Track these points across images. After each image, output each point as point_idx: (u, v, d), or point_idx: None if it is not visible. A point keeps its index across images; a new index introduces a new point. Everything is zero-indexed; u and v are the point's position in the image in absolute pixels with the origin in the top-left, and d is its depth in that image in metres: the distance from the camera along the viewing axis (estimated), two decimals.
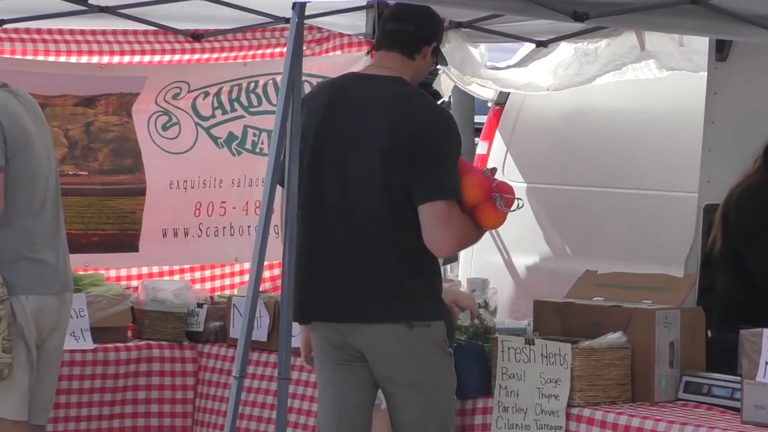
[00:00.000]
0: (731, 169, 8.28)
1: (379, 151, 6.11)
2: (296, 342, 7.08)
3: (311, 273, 6.22)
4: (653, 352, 6.59)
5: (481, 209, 6.26)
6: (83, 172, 8.88)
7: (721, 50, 8.25)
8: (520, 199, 6.52)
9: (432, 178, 6.12)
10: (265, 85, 9.39)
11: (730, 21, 7.32)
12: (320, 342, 6.37)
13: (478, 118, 16.22)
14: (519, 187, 9.85)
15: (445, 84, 9.59)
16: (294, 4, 5.86)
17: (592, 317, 6.72)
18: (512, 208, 6.40)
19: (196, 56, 9.38)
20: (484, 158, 10.39)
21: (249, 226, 9.65)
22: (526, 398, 6.49)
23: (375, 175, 6.16)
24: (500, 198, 6.28)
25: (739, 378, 6.12)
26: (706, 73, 8.43)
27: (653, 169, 9.12)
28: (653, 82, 9.04)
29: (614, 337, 6.55)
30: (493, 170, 6.46)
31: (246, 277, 8.58)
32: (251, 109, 9.49)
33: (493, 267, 9.76)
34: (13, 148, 7.21)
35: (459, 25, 8.58)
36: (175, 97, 9.24)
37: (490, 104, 10.27)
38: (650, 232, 8.88)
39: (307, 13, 6.13)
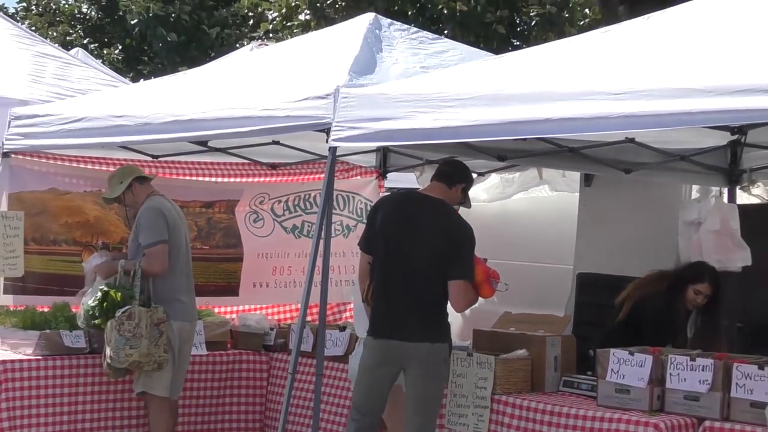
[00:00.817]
0: (594, 252, 8.64)
1: (432, 245, 6.53)
2: (330, 352, 7.54)
3: (382, 310, 6.67)
4: (544, 361, 6.94)
5: (482, 286, 6.69)
6: (206, 247, 9.45)
7: (587, 180, 8.71)
8: (506, 284, 6.97)
9: (459, 265, 6.56)
10: (315, 196, 9.69)
11: (592, 163, 7.76)
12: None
13: None
14: None
15: None
16: (330, 149, 6.28)
17: (507, 340, 7.09)
18: (498, 288, 6.82)
19: (273, 178, 9.95)
20: None
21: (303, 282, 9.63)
22: (467, 389, 6.76)
23: (427, 258, 6.54)
24: (494, 281, 6.75)
25: (596, 378, 6.56)
26: (579, 193, 8.91)
27: (547, 250, 9.41)
28: (547, 198, 9.50)
29: (521, 352, 6.93)
30: (485, 260, 6.84)
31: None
32: (307, 211, 9.80)
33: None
34: (169, 230, 7.68)
35: (430, 162, 8.75)
36: (260, 203, 9.82)
37: None
38: (544, 287, 9.14)
39: (337, 154, 6.46)
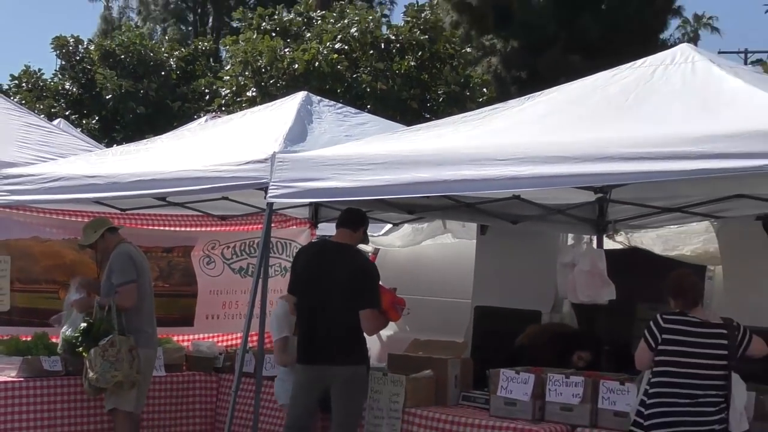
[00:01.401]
0: (488, 288, 8.72)
1: (343, 283, 6.57)
2: (267, 373, 7.45)
3: (307, 341, 6.68)
4: (446, 380, 6.96)
5: (389, 312, 6.75)
6: (166, 285, 9.35)
7: (482, 229, 8.80)
8: (408, 309, 7.17)
9: (368, 297, 6.61)
10: (257, 243, 9.18)
11: (485, 215, 7.96)
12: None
13: None
14: None
15: None
16: (267, 204, 6.37)
17: (417, 362, 7.12)
18: (404, 312, 6.97)
19: (223, 228, 9.92)
20: None
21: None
22: (383, 403, 6.80)
23: (340, 294, 6.57)
24: (399, 307, 6.83)
25: (489, 393, 6.62)
26: (476, 240, 8.96)
27: (450, 287, 9.54)
28: (450, 244, 9.55)
29: (427, 372, 6.94)
30: (394, 289, 6.96)
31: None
32: (251, 255, 9.78)
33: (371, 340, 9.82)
34: (137, 272, 7.69)
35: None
36: (212, 248, 9.80)
37: (370, 253, 10.39)
38: (448, 317, 9.25)
39: (276, 207, 6.73)
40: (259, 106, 8.68)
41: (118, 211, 8.99)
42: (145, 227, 9.34)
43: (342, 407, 6.67)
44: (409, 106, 22.42)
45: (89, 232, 7.94)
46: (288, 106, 7.78)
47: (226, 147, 7.20)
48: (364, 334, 6.74)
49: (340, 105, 8.34)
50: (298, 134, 6.98)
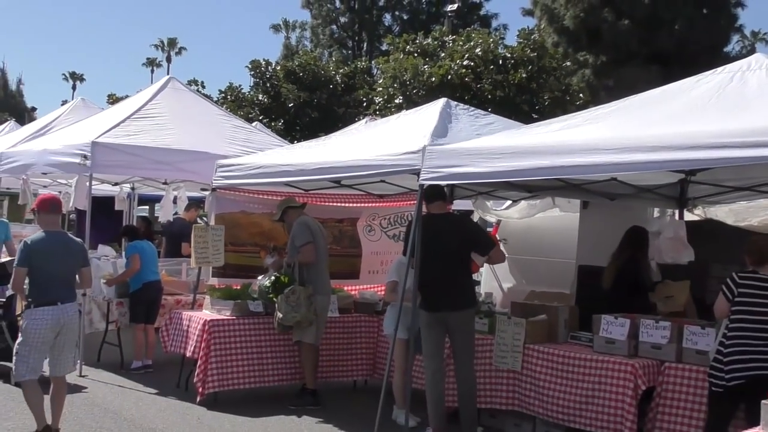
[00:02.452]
0: (589, 251, 8.41)
1: (460, 240, 6.55)
2: None
3: (431, 292, 6.53)
4: (557, 323, 6.89)
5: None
6: (338, 247, 9.43)
7: (585, 205, 8.53)
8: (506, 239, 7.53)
9: (484, 240, 6.76)
10: (407, 215, 9.61)
11: (588, 193, 7.67)
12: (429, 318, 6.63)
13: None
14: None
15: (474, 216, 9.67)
16: (419, 185, 6.22)
17: (533, 309, 7.04)
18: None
19: (381, 204, 9.96)
20: None
21: None
22: (507, 340, 6.76)
23: (457, 248, 6.56)
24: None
25: (592, 334, 6.53)
26: (579, 213, 8.69)
27: (558, 250, 9.19)
28: (558, 216, 9.17)
29: (542, 317, 6.88)
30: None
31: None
32: (402, 224, 9.66)
33: (494, 289, 9.60)
34: (313, 236, 7.78)
35: (480, 193, 8.71)
36: (372, 219, 9.91)
37: (494, 222, 10.30)
38: (556, 274, 8.89)
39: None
40: (407, 111, 8.59)
41: (303, 191, 9.14)
42: (322, 203, 9.48)
43: (461, 340, 6.64)
44: (521, 109, 22.23)
45: (278, 210, 8.18)
46: (432, 110, 7.70)
47: (385, 142, 7.15)
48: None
49: (473, 108, 8.19)
50: (441, 131, 6.91)
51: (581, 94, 25.35)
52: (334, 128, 25.41)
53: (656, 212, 8.50)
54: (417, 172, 6.12)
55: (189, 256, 10.51)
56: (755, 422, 5.29)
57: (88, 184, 9.08)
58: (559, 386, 6.38)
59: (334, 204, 9.69)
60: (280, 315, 7.56)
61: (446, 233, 6.57)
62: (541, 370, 6.52)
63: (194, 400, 7.57)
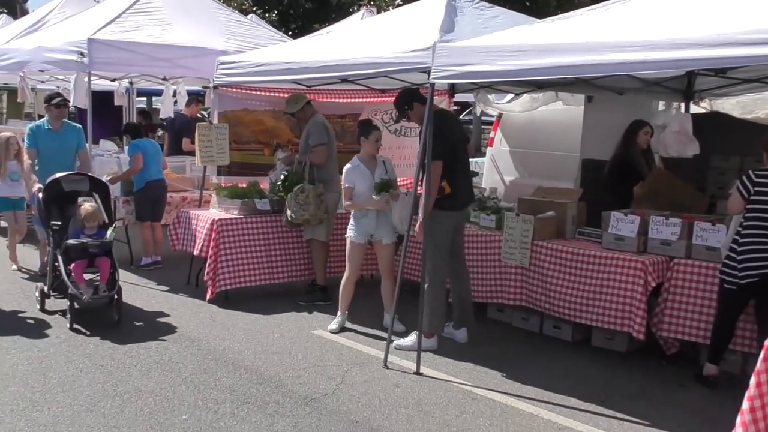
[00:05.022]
0: (593, 144, 8.16)
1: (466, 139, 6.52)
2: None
3: (464, 190, 6.31)
4: (566, 219, 6.71)
5: None
6: (340, 144, 8.59)
7: (589, 99, 8.23)
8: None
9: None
10: None
11: (598, 88, 7.49)
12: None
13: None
14: (504, 150, 9.88)
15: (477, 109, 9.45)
16: (430, 84, 5.59)
17: (541, 205, 6.77)
18: None
19: (382, 99, 9.55)
20: (492, 139, 10.17)
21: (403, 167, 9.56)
22: (515, 236, 6.58)
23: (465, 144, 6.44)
24: None
25: (600, 230, 6.38)
26: (583, 106, 8.39)
27: (561, 143, 8.97)
28: (561, 109, 8.91)
29: (550, 213, 6.67)
30: None
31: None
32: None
33: (496, 183, 9.56)
34: (328, 137, 7.53)
35: (482, 87, 8.43)
36: (374, 114, 9.55)
37: (495, 116, 10.04)
38: (559, 167, 8.75)
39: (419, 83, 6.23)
40: (410, 5, 8.00)
41: (305, 87, 8.70)
42: (325, 99, 9.12)
43: (461, 237, 6.48)
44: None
45: (292, 103, 7.79)
46: (437, 2, 7.08)
47: (391, 38, 6.61)
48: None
49: (477, 1, 7.46)
50: (448, 26, 6.37)
51: None
52: (328, 19, 24.63)
53: (661, 105, 8.16)
54: (427, 70, 5.64)
55: (190, 153, 10.41)
56: (764, 317, 5.31)
57: (87, 81, 8.71)
58: (567, 282, 6.25)
59: (337, 100, 9.34)
60: (289, 213, 7.34)
61: (458, 128, 6.29)
62: (550, 267, 6.37)
63: (205, 298, 7.44)
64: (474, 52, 5.31)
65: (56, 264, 6.75)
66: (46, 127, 7.94)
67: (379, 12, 17.17)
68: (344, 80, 8.27)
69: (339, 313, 6.73)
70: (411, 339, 6.11)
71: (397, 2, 18.78)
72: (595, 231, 6.49)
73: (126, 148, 9.35)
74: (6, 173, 8.10)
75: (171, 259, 8.90)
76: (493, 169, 9.76)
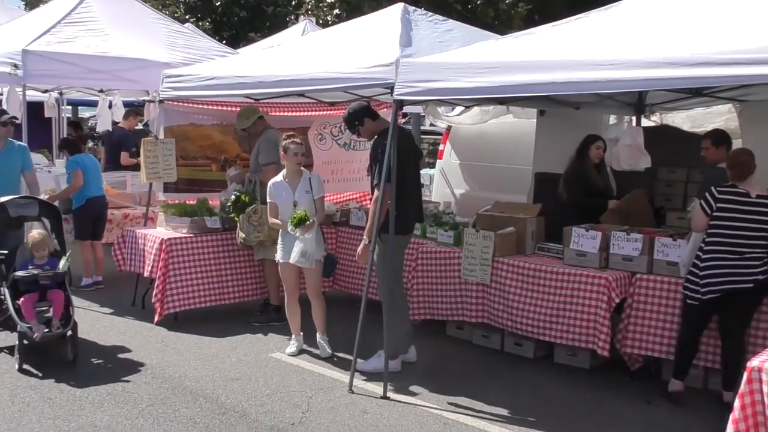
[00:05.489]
0: (545, 158, 8.13)
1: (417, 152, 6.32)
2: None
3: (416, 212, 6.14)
4: (525, 236, 6.62)
5: None
6: None
7: (542, 112, 8.16)
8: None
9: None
10: None
11: (554, 103, 7.38)
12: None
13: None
14: (455, 163, 9.79)
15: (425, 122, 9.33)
16: (394, 100, 5.47)
17: (500, 221, 6.68)
18: None
19: (331, 112, 9.36)
20: (441, 152, 10.06)
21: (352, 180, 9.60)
22: (476, 253, 6.45)
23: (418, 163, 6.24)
24: None
25: (561, 245, 6.35)
26: (536, 120, 8.32)
27: (514, 155, 8.94)
28: (512, 122, 8.91)
29: (509, 229, 6.58)
30: None
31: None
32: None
33: (446, 196, 9.42)
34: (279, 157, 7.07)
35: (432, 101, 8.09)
36: (324, 128, 9.39)
37: (444, 128, 9.95)
38: (511, 181, 8.69)
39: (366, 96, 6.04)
40: (365, 17, 7.83)
41: (253, 100, 8.36)
42: (273, 113, 8.82)
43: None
44: (453, 8, 21.18)
45: (243, 119, 7.59)
46: (392, 16, 7.00)
47: (350, 52, 6.45)
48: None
49: (430, 14, 7.44)
50: (406, 40, 6.31)
51: None
52: (263, 28, 24.27)
53: (613, 119, 8.21)
54: (390, 87, 5.48)
55: (128, 167, 10.02)
56: (726, 332, 5.34)
57: (21, 93, 8.32)
58: (529, 299, 6.16)
59: (285, 113, 9.10)
60: (242, 235, 7.08)
61: (408, 145, 6.03)
62: (511, 283, 6.27)
63: (152, 320, 7.13)
64: (440, 68, 5.19)
65: (2, 298, 6.14)
66: None
67: (317, 22, 17.02)
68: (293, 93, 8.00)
69: (294, 335, 6.53)
70: (372, 361, 5.95)
71: (335, 12, 18.57)
72: (555, 246, 6.43)
73: (57, 161, 8.98)
74: None
75: (111, 278, 8.51)
76: (443, 182, 9.66)
